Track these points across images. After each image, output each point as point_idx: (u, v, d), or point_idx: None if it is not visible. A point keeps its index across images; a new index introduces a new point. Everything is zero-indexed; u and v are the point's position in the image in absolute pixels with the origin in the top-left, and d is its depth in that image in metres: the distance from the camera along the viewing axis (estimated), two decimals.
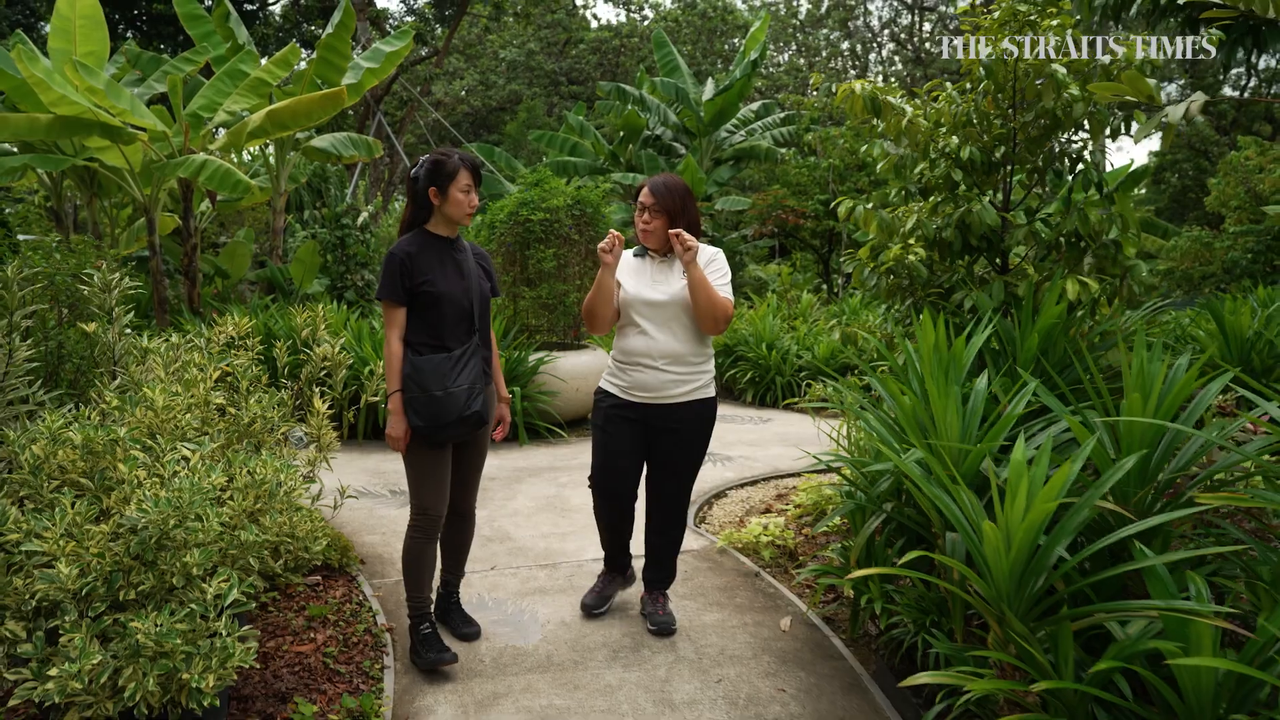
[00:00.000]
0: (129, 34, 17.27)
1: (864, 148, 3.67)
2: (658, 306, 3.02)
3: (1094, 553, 1.97)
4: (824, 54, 33.00)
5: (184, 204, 6.77)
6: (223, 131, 7.04)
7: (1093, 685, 1.69)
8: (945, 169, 3.40)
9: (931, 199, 3.61)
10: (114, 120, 6.06)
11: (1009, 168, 3.55)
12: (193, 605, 1.91)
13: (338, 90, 6.30)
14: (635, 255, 3.14)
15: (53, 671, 1.75)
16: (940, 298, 3.59)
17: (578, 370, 6.66)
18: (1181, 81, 25.38)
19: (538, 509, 4.82)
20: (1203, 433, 2.06)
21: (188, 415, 2.38)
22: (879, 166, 3.70)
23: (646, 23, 29.93)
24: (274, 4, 20.71)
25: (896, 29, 32.55)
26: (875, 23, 33.03)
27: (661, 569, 3.31)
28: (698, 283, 2.90)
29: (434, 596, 3.20)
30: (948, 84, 3.56)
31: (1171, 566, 1.93)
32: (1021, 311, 3.20)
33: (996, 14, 3.14)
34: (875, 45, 33.12)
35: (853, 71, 32.80)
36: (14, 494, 2.26)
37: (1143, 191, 26.93)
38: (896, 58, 32.57)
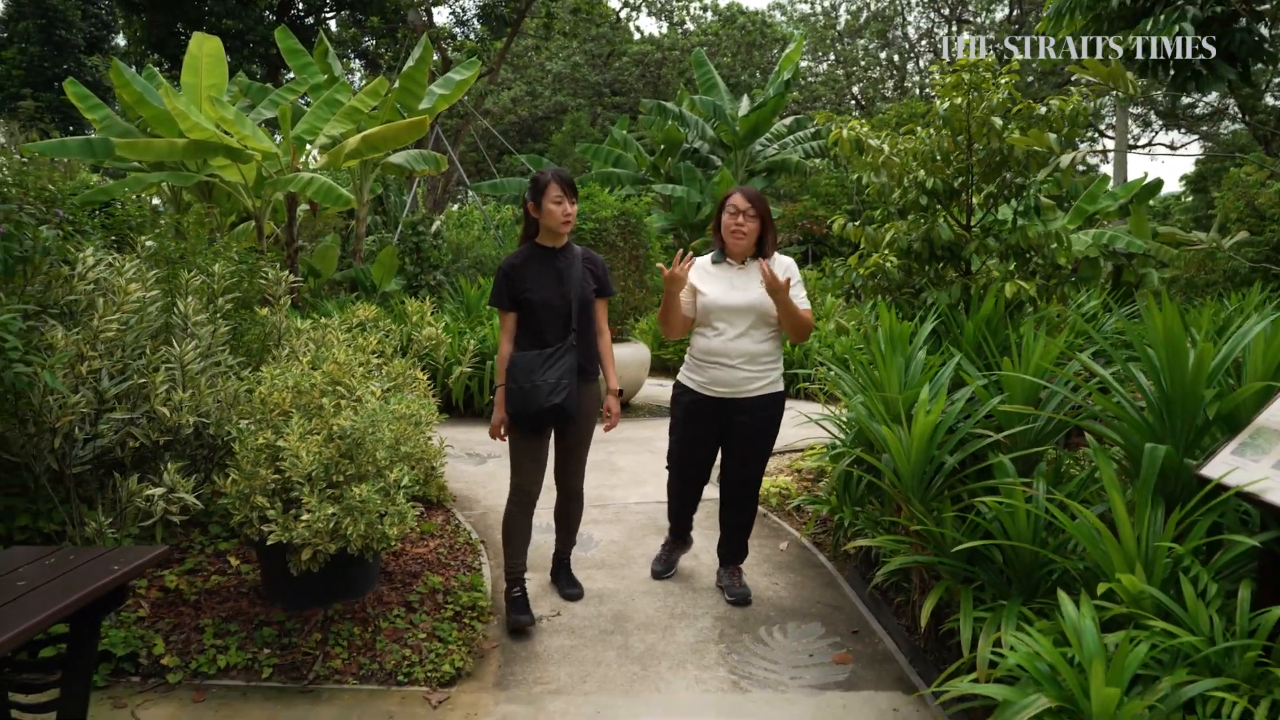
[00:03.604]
0: None
1: (853, 176, 4.62)
2: (737, 311, 3.24)
3: (971, 459, 2.92)
4: (862, 63, 33.73)
5: (289, 214, 7.95)
6: (317, 152, 8.19)
7: (963, 539, 2.64)
8: (915, 195, 4.35)
9: (909, 217, 4.55)
10: (235, 144, 7.23)
11: (968, 193, 4.48)
12: (382, 485, 2.96)
13: (422, 119, 7.41)
14: (713, 262, 3.36)
15: (304, 518, 2.80)
16: (913, 296, 4.53)
17: (622, 360, 7.67)
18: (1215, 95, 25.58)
19: (590, 468, 5.73)
20: (1057, 387, 2.99)
21: (360, 368, 3.43)
22: (866, 191, 4.65)
23: (688, 35, 30.94)
24: (330, 18, 22.00)
25: (934, 39, 33.18)
26: (913, 33, 33.69)
27: (735, 546, 3.65)
28: (788, 311, 3.18)
29: (527, 564, 3.50)
30: (918, 128, 4.51)
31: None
32: (971, 306, 4.14)
33: (949, 79, 4.09)
34: (913, 55, 33.76)
35: (890, 82, 33.48)
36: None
37: (1189, 199, 27.15)
38: (934, 68, 33.14)
